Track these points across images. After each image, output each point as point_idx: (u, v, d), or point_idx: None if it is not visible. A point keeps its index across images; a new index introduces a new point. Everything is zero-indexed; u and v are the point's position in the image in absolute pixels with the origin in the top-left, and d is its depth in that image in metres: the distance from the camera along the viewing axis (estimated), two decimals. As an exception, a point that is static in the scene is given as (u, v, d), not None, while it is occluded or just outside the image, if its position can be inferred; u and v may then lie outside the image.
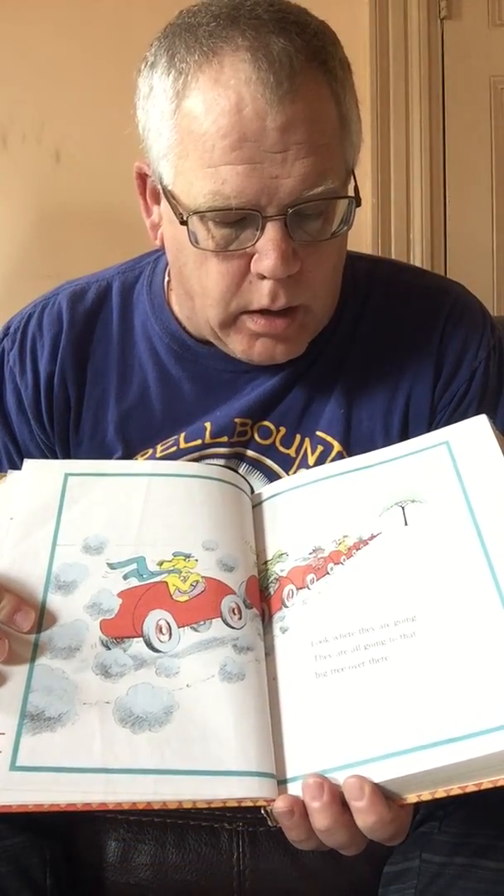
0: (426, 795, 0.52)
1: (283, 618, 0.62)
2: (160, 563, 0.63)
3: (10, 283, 1.93)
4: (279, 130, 0.65)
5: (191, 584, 0.62)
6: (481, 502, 0.61)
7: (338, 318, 0.81)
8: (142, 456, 0.81)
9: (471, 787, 0.51)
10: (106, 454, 0.82)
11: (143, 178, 0.76)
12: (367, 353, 0.81)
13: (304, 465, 0.80)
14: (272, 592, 0.64)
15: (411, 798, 0.52)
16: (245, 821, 0.76)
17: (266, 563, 0.66)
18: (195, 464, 0.78)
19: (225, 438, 0.80)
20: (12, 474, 0.70)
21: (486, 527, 0.59)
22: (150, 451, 0.81)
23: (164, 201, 0.74)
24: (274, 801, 0.53)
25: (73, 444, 0.83)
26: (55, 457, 0.84)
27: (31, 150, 1.97)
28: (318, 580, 0.62)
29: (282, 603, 0.63)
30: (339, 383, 0.81)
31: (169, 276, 0.82)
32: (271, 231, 0.67)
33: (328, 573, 0.62)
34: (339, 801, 0.51)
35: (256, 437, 0.81)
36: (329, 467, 0.71)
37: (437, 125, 2.03)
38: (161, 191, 0.73)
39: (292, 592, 0.63)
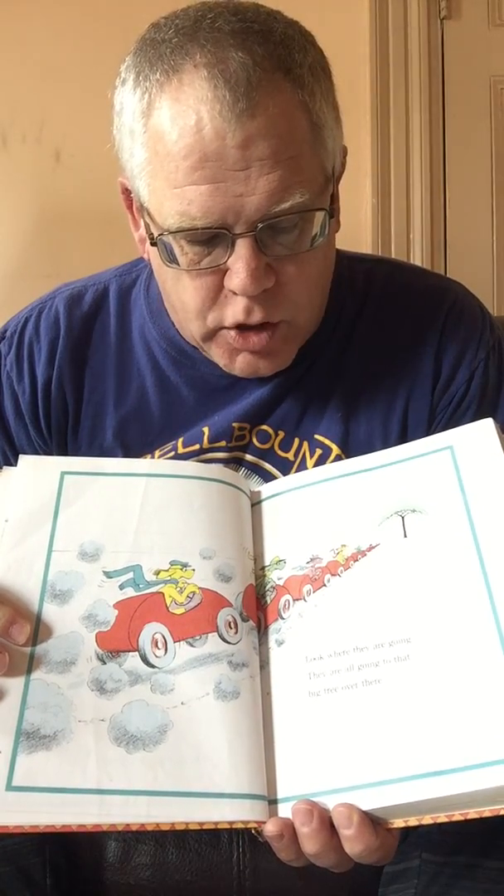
0: (413, 821, 0.52)
1: (279, 630, 0.61)
2: (157, 573, 0.61)
3: (10, 283, 1.92)
4: (239, 148, 0.63)
5: (187, 596, 0.61)
6: (482, 516, 0.59)
7: (335, 319, 0.81)
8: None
9: (457, 815, 0.51)
10: (113, 451, 0.81)
11: (127, 193, 0.76)
12: (365, 356, 0.81)
13: (303, 468, 0.80)
14: (269, 601, 0.63)
15: (398, 823, 0.52)
16: (245, 821, 0.76)
17: (264, 568, 0.65)
18: (194, 464, 0.77)
19: (223, 443, 0.80)
20: (7, 471, 0.68)
21: (486, 544, 0.58)
22: (149, 455, 0.81)
23: (141, 224, 0.74)
24: (264, 823, 0.53)
25: (71, 449, 0.83)
26: (72, 450, 0.83)
27: (31, 150, 1.96)
28: (314, 592, 0.61)
29: (278, 614, 0.62)
30: (337, 386, 0.81)
31: None
32: (241, 248, 0.66)
33: (325, 585, 0.61)
34: (329, 826, 0.52)
35: (255, 441, 0.81)
36: (331, 468, 0.70)
37: (437, 125, 2.03)
38: (140, 207, 0.73)
39: (289, 603, 0.62)
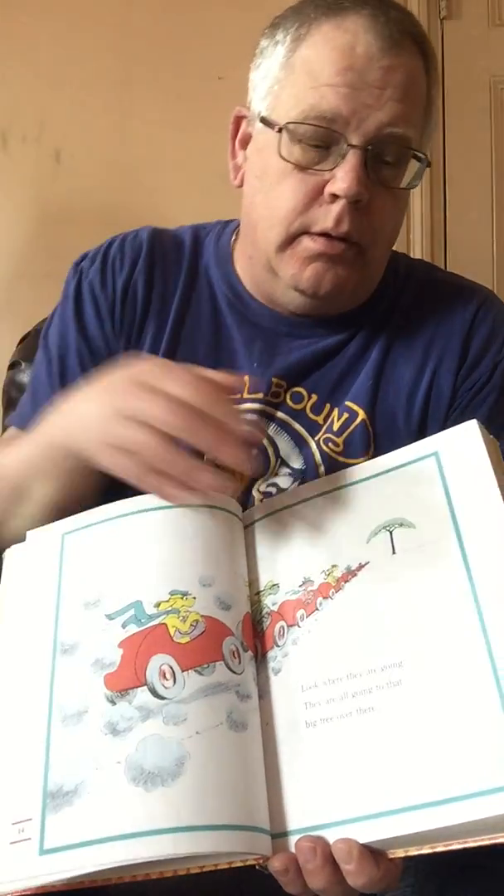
0: (413, 851, 0.52)
1: (275, 658, 0.61)
2: (157, 605, 0.60)
3: (10, 283, 1.93)
4: (383, 70, 0.73)
5: (191, 625, 0.59)
6: (469, 526, 0.58)
7: (378, 296, 0.87)
8: None
9: (455, 845, 0.51)
10: None
11: (238, 123, 0.85)
12: (402, 332, 0.86)
13: (329, 431, 0.84)
14: (265, 628, 0.63)
15: (399, 853, 0.52)
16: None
17: (259, 593, 0.64)
18: None
19: (260, 395, 0.84)
20: (14, 548, 0.69)
21: (474, 556, 0.57)
22: None
23: (254, 139, 0.82)
24: (267, 857, 0.53)
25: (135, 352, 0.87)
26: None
27: (31, 150, 1.96)
28: (307, 617, 0.61)
29: (273, 641, 0.61)
30: (371, 357, 0.85)
31: (236, 235, 0.90)
32: (352, 158, 0.74)
33: (317, 608, 0.61)
34: (332, 861, 0.52)
35: (289, 400, 0.85)
36: (318, 483, 0.69)
37: (437, 125, 2.03)
38: (256, 124, 0.81)
39: (283, 630, 0.61)
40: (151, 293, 0.88)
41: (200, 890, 0.75)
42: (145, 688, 0.56)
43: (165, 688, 0.56)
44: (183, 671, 0.57)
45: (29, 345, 1.51)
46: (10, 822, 0.54)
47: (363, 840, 0.51)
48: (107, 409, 0.62)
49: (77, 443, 0.65)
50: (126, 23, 1.96)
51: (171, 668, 0.57)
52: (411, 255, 1.93)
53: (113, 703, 0.56)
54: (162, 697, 0.55)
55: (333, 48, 0.74)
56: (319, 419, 0.84)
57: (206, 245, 0.92)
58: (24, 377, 1.45)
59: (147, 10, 1.96)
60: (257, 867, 0.54)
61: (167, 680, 0.56)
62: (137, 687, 0.56)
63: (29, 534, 0.69)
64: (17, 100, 1.96)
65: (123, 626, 0.59)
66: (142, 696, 0.56)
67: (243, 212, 0.85)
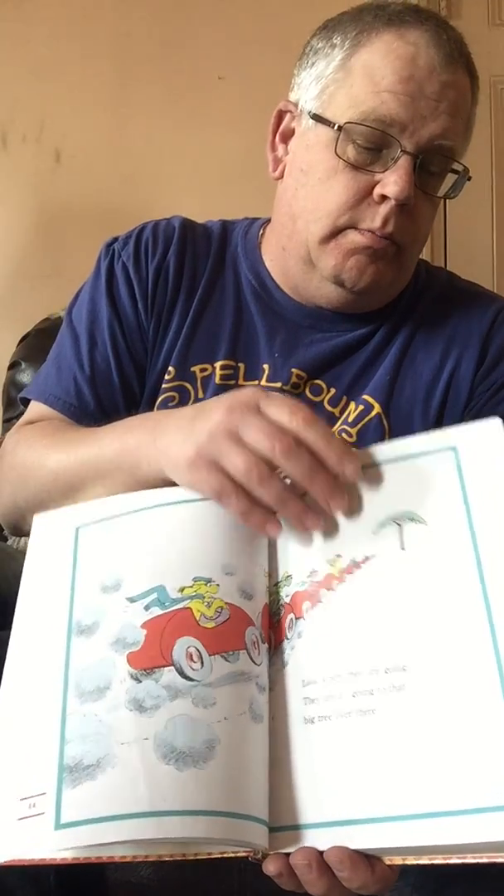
0: (411, 860, 0.51)
1: (285, 651, 0.60)
2: (181, 590, 0.59)
3: (10, 283, 1.93)
4: (441, 84, 0.77)
5: (216, 611, 0.58)
6: (485, 532, 0.55)
7: (399, 297, 0.89)
8: (201, 371, 0.87)
9: (454, 859, 0.50)
10: (174, 353, 0.88)
11: (280, 117, 0.87)
12: (421, 332, 0.89)
13: (345, 423, 0.85)
14: (279, 619, 0.62)
15: (396, 860, 0.51)
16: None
17: (277, 584, 0.64)
18: None
19: (279, 384, 0.86)
20: (38, 519, 0.69)
21: (488, 564, 0.54)
22: (210, 368, 0.87)
23: (302, 134, 0.84)
24: (260, 850, 0.53)
25: (159, 338, 0.89)
26: (152, 346, 0.90)
27: (31, 150, 1.97)
28: (312, 608, 0.60)
29: (285, 633, 0.61)
30: (391, 353, 0.88)
31: (263, 230, 0.93)
32: (404, 163, 0.77)
33: (320, 601, 0.59)
34: (328, 868, 0.52)
35: (308, 392, 0.87)
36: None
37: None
38: (305, 121, 0.83)
39: (292, 622, 0.60)
40: (182, 277, 0.90)
41: (200, 890, 0.75)
42: (172, 668, 0.55)
43: (193, 669, 0.55)
44: (210, 655, 0.56)
45: (29, 345, 1.52)
46: (17, 798, 0.54)
47: (359, 845, 0.50)
48: (206, 425, 0.61)
49: (165, 455, 0.65)
50: (126, 23, 1.96)
51: (199, 650, 0.57)
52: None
53: (138, 680, 0.55)
54: (189, 679, 0.55)
55: (397, 57, 0.77)
56: (336, 411, 0.86)
57: (233, 237, 0.95)
58: (24, 377, 1.46)
59: (147, 9, 1.96)
60: (250, 858, 0.53)
61: (194, 662, 0.56)
62: (164, 666, 0.55)
63: (36, 518, 0.69)
64: (17, 100, 1.96)
65: (146, 608, 0.59)
66: (168, 675, 0.55)
67: (281, 203, 0.87)
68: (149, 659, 0.56)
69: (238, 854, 0.53)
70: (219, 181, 1.91)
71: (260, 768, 0.54)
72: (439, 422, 0.86)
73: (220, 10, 1.94)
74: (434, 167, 0.80)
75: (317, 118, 0.81)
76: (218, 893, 0.75)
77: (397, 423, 0.85)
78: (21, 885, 0.69)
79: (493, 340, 0.88)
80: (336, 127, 0.79)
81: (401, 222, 0.79)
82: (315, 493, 0.59)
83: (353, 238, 0.80)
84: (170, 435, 0.65)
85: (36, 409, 0.89)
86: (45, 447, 0.80)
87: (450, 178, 0.83)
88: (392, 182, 0.77)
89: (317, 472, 0.58)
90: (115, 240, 0.94)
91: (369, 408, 0.86)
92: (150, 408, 0.87)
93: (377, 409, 0.86)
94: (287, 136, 0.87)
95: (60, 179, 1.96)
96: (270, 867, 0.53)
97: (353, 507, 0.61)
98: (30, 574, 0.65)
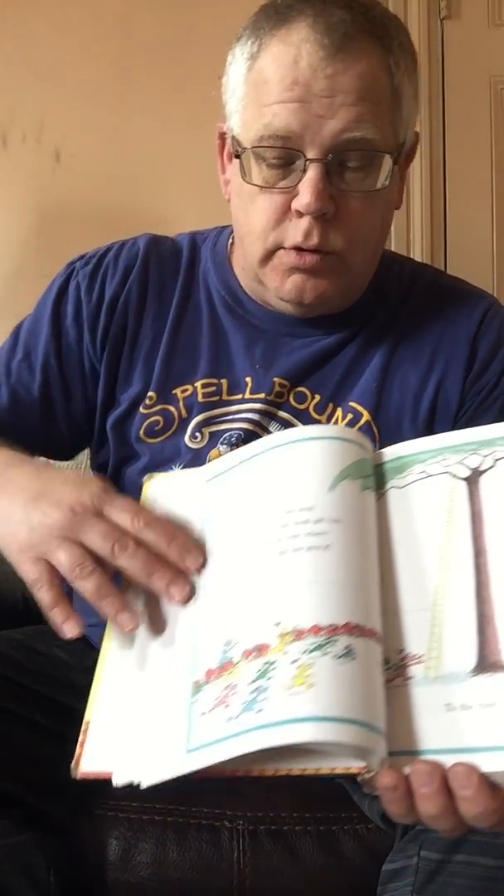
0: None
1: None
2: None
3: (10, 283, 1.93)
4: (328, 78, 0.73)
5: None
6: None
7: (382, 300, 0.88)
8: (182, 392, 0.87)
9: None
10: (152, 379, 0.88)
11: (222, 138, 0.86)
12: (407, 335, 0.87)
13: None
14: None
15: None
16: (246, 819, 0.77)
17: None
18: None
19: (262, 395, 0.86)
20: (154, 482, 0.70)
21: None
22: (190, 388, 0.87)
23: (230, 152, 0.82)
24: (373, 770, 0.51)
25: (124, 363, 0.89)
26: (93, 374, 0.89)
27: (31, 150, 1.96)
28: None
29: None
30: (376, 359, 0.86)
31: (233, 238, 0.91)
32: (311, 172, 0.74)
33: None
34: (447, 789, 0.50)
35: (292, 400, 0.86)
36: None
37: (437, 125, 2.03)
38: (230, 141, 0.82)
39: None
40: (145, 302, 0.89)
41: (200, 890, 0.75)
42: None
43: None
44: None
45: (29, 345, 1.52)
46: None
47: (490, 768, 0.49)
48: (45, 521, 0.63)
49: (1, 523, 0.66)
50: (126, 23, 1.96)
51: None
52: (411, 255, 1.94)
53: None
54: None
55: (280, 65, 0.74)
56: (322, 419, 0.85)
57: (203, 250, 0.93)
58: (25, 377, 1.46)
59: (147, 9, 1.96)
60: (358, 779, 0.51)
61: None
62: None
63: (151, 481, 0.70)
64: (17, 100, 1.96)
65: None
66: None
67: (233, 220, 0.86)
68: None
69: (350, 770, 0.51)
70: (218, 181, 1.91)
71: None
72: (430, 427, 0.85)
73: (220, 9, 1.93)
74: (353, 162, 0.75)
75: (234, 142, 0.80)
76: (217, 893, 0.75)
77: (386, 430, 0.84)
78: (21, 883, 0.69)
79: (482, 342, 0.86)
80: (236, 154, 0.78)
81: (326, 232, 0.76)
82: (154, 587, 0.61)
83: (284, 258, 0.79)
84: (9, 507, 0.66)
85: None
86: None
87: (388, 164, 0.77)
88: (301, 194, 0.75)
89: (155, 569, 0.60)
90: (81, 257, 0.93)
91: (358, 416, 0.85)
92: (117, 434, 0.89)
93: (366, 416, 0.84)
94: (231, 157, 0.84)
95: (60, 179, 1.96)
96: (386, 779, 0.50)
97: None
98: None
